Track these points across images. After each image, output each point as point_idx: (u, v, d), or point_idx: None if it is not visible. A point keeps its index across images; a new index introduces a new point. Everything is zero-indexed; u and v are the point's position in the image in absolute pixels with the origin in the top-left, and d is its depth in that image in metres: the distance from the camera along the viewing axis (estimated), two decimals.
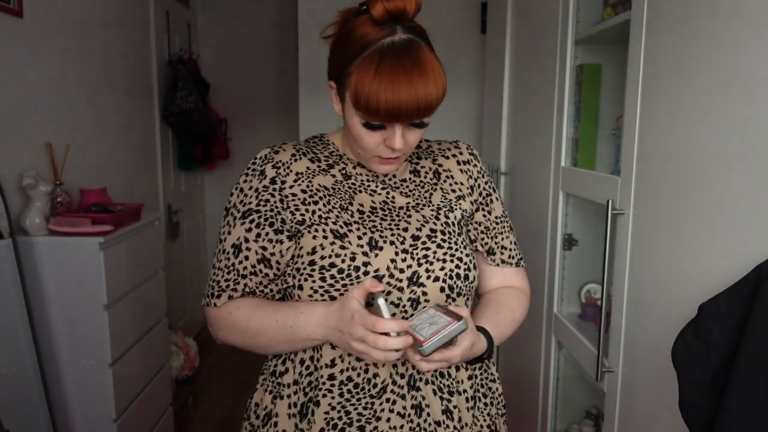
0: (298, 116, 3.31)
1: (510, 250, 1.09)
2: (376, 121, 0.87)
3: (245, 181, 0.97)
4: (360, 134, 0.90)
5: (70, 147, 2.11)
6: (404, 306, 0.92)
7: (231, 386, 3.23)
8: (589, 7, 1.66)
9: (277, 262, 0.96)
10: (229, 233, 0.97)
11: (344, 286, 0.90)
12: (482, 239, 1.06)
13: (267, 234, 0.95)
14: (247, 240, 0.95)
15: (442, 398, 0.96)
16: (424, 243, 0.94)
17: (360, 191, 0.98)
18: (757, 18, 0.89)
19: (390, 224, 0.95)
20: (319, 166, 0.99)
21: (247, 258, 0.95)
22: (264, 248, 0.95)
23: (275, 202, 0.95)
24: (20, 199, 1.85)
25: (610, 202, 1.33)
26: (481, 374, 1.05)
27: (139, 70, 2.92)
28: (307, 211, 0.94)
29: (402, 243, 0.94)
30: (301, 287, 0.93)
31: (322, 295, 0.92)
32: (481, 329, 0.95)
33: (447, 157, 1.06)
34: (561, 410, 1.83)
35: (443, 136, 1.21)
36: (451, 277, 0.94)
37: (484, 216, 1.06)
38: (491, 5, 2.65)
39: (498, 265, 1.08)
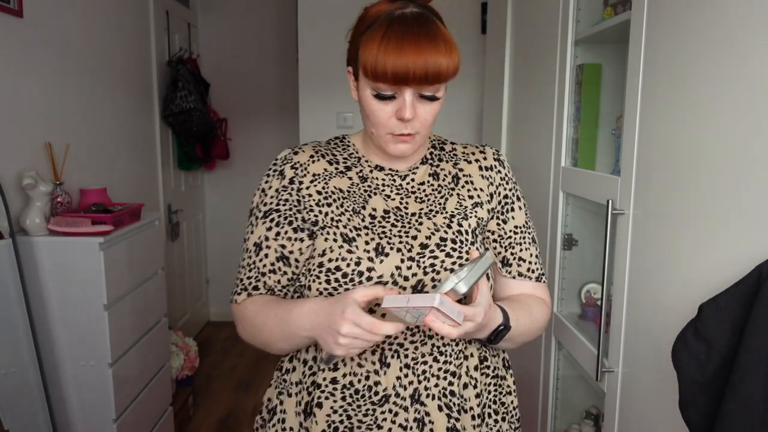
0: (298, 116, 3.31)
1: (529, 263, 1.03)
2: (384, 85, 0.86)
3: (266, 182, 1.00)
4: (372, 108, 0.90)
5: (70, 147, 2.11)
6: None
7: (231, 386, 3.24)
8: (589, 7, 1.66)
9: (296, 260, 0.97)
10: (252, 232, 0.99)
11: (347, 290, 0.89)
12: (495, 249, 1.02)
13: (286, 233, 0.96)
14: (267, 239, 0.97)
15: (449, 416, 0.94)
16: (432, 251, 0.93)
17: (375, 194, 0.98)
18: (757, 17, 0.89)
19: (400, 231, 0.94)
20: (336, 168, 0.99)
21: (267, 256, 0.97)
22: (283, 246, 0.97)
23: (293, 201, 0.97)
24: (20, 199, 1.85)
25: (610, 202, 1.33)
26: (494, 389, 1.03)
27: (139, 70, 2.92)
28: (320, 212, 0.95)
29: (409, 251, 0.92)
30: (309, 287, 0.94)
31: (326, 297, 0.91)
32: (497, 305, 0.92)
33: (469, 162, 1.04)
34: (561, 410, 1.83)
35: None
36: None
37: (498, 225, 1.02)
38: (491, 5, 2.65)
39: (514, 277, 1.02)
